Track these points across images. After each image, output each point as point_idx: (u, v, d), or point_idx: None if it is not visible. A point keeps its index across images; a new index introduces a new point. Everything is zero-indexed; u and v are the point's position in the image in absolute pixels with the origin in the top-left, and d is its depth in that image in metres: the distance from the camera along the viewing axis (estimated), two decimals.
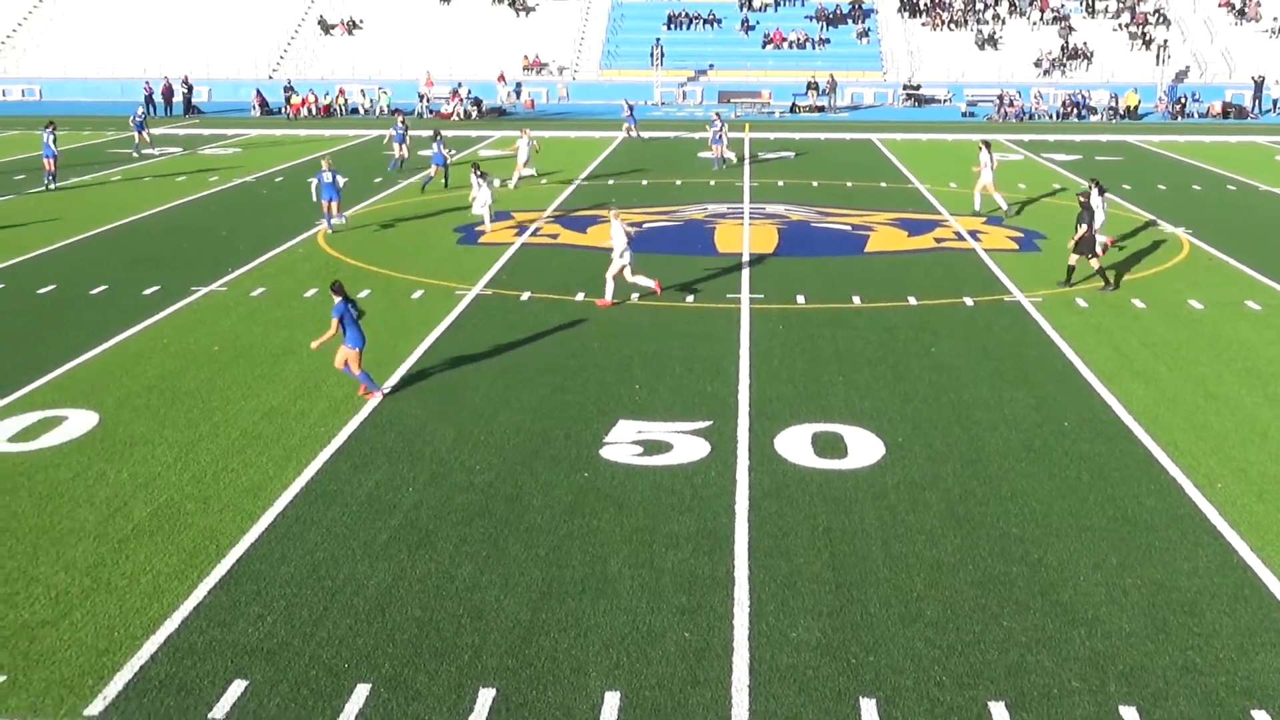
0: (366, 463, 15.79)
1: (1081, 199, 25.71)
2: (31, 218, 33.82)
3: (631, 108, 57.12)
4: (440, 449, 16.26)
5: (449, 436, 16.71)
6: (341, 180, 32.70)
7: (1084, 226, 24.99)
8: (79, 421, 17.32)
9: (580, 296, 24.57)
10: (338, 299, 17.79)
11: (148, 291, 25.09)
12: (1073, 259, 25.36)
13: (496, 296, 24.78)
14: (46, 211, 34.78)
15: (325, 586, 12.50)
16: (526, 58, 76.47)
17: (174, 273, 26.78)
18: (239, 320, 22.97)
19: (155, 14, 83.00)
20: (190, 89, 70.12)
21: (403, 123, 45.07)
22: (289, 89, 67.95)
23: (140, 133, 49.36)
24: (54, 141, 39.45)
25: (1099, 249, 25.41)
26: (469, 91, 67.62)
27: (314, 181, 32.85)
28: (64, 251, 29.36)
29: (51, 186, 39.29)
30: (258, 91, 69.56)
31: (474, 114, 65.43)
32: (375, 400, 18.07)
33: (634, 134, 55.09)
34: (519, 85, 73.07)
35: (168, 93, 69.25)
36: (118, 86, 74.79)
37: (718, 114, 48.30)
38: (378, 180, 41.24)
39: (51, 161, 39.30)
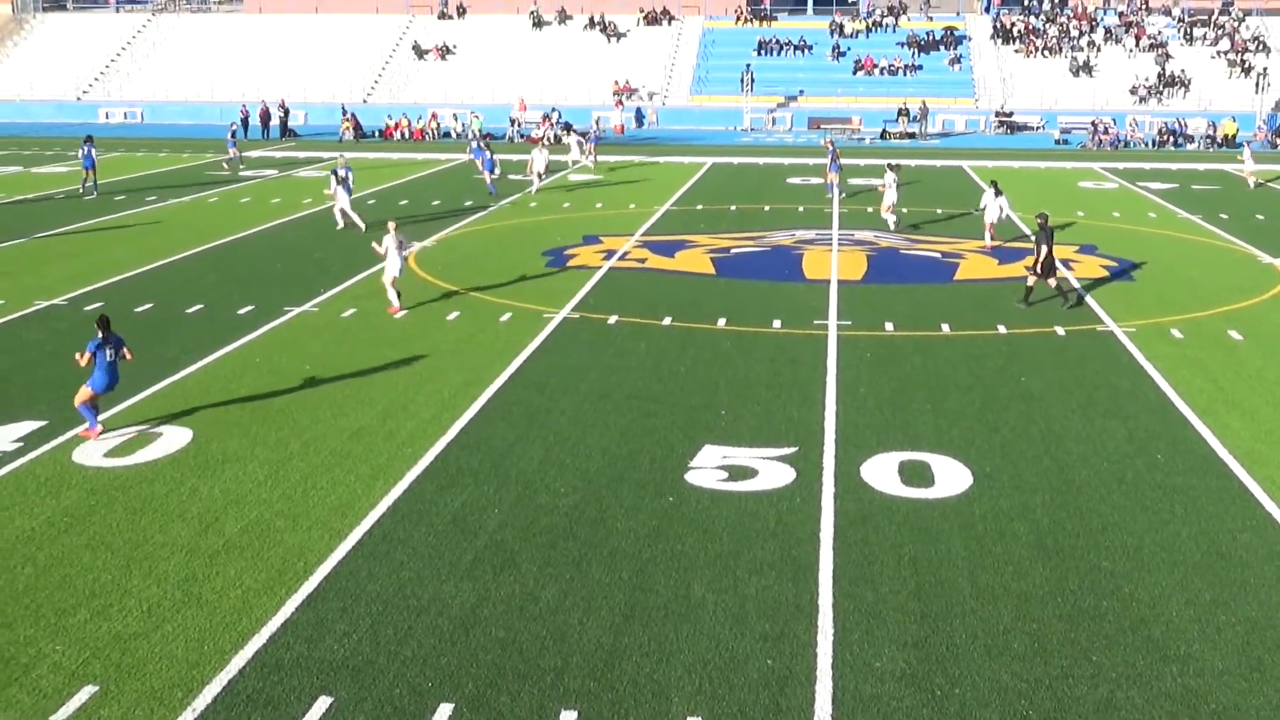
0: (453, 483, 15.91)
1: (1040, 220, 26.07)
2: (130, 237, 34.56)
3: (584, 132, 54.47)
4: (526, 471, 16.33)
5: (535, 459, 16.78)
6: (351, 179, 36.33)
7: (1044, 248, 25.55)
8: (174, 438, 17.62)
9: (668, 321, 24.59)
10: (98, 334, 17.51)
11: (242, 311, 25.51)
12: (1031, 280, 25.95)
13: (584, 320, 24.87)
14: (145, 231, 35.51)
15: (410, 605, 12.59)
16: (617, 83, 76.87)
17: (268, 293, 27.21)
18: (330, 340, 23.27)
19: (254, 40, 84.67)
20: (286, 113, 71.30)
21: (485, 145, 45.72)
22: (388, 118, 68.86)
23: (232, 149, 52.31)
24: (92, 152, 44.07)
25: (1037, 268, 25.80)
26: (559, 116, 68.07)
27: (331, 179, 36.44)
28: (162, 271, 29.94)
29: (91, 195, 43.41)
30: (350, 114, 70.49)
31: (563, 138, 65.74)
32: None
33: (589, 158, 53.33)
34: (631, 97, 73.29)
35: (265, 116, 70.45)
36: (217, 110, 76.28)
37: (830, 140, 47.58)
38: (468, 203, 41.63)
39: (90, 172, 43.94)
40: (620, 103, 72.22)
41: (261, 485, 15.83)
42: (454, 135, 68.72)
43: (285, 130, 70.75)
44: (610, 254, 32.03)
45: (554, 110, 69.12)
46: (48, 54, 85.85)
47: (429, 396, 19.54)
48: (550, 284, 28.32)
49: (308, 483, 15.92)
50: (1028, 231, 34.79)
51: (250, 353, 22.39)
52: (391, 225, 26.09)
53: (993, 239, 33.57)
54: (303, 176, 50.85)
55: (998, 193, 32.83)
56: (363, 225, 35.50)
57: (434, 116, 70.04)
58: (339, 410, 18.90)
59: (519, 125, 68.65)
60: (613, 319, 24.86)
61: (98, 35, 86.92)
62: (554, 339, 23.38)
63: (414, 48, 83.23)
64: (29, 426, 18.01)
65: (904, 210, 39.39)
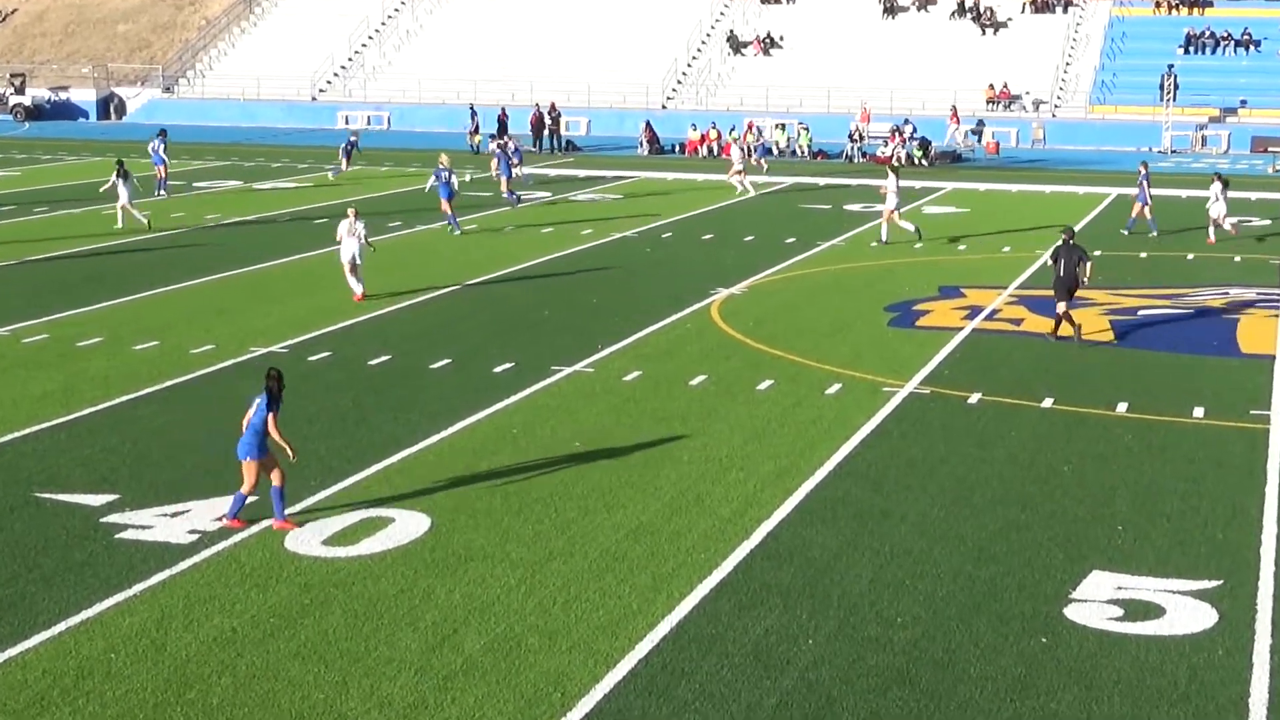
0: (756, 602, 15.92)
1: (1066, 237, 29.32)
2: (367, 271, 36.05)
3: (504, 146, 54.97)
4: (852, 592, 16.22)
5: (865, 576, 16.66)
6: (456, 181, 41.48)
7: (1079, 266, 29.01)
8: (407, 525, 18.22)
9: (1048, 403, 24.14)
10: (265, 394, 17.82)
11: (499, 369, 26.27)
12: (1060, 307, 28.89)
13: (936, 397, 24.64)
14: (385, 265, 37.00)
15: None
16: (992, 87, 76.37)
17: (531, 346, 27.96)
18: (606, 410, 23.71)
19: (527, 29, 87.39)
20: (558, 119, 73.10)
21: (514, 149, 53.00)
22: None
23: (345, 158, 57.96)
24: (164, 150, 51.93)
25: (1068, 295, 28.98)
26: (913, 130, 68.03)
27: (431, 180, 43.25)
28: (404, 315, 31.16)
29: (160, 193, 51.10)
30: (647, 124, 72.11)
31: (919, 160, 65.67)
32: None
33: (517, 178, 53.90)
34: (980, 123, 72.88)
35: (536, 124, 72.39)
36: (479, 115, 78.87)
37: (1144, 163, 46.49)
38: (790, 240, 41.92)
39: (162, 169, 51.58)
40: (956, 117, 71.25)
41: (512, 592, 16.19)
42: (775, 152, 69.36)
43: (559, 141, 72.58)
44: (974, 311, 31.68)
45: (906, 122, 69.10)
46: (280, 44, 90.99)
47: (729, 488, 19.65)
48: (894, 348, 28.19)
49: (570, 592, 16.19)
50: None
51: (507, 422, 23.01)
52: (351, 211, 32.58)
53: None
54: (581, 200, 52.19)
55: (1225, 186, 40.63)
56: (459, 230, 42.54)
57: (751, 127, 70.97)
58: (614, 501, 19.20)
59: (860, 141, 68.83)
60: (975, 397, 24.56)
61: (340, 22, 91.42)
62: (896, 420, 23.22)
63: (729, 39, 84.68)
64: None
65: None
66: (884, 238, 41.59)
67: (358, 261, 32.36)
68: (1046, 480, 20.22)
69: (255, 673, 14.12)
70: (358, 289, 32.29)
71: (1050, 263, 29.66)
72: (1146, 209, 43.58)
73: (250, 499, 18.11)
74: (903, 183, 52.52)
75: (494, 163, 52.32)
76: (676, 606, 15.75)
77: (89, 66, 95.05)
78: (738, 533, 18.01)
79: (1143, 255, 39.99)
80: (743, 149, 59.82)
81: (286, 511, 18.00)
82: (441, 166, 43.61)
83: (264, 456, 17.72)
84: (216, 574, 16.57)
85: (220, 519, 18.11)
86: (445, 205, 42.93)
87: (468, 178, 56.45)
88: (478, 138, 67.08)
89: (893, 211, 41.53)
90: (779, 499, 19.24)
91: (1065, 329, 28.79)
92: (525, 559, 17.13)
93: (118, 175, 43.35)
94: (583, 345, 28.07)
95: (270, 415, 17.67)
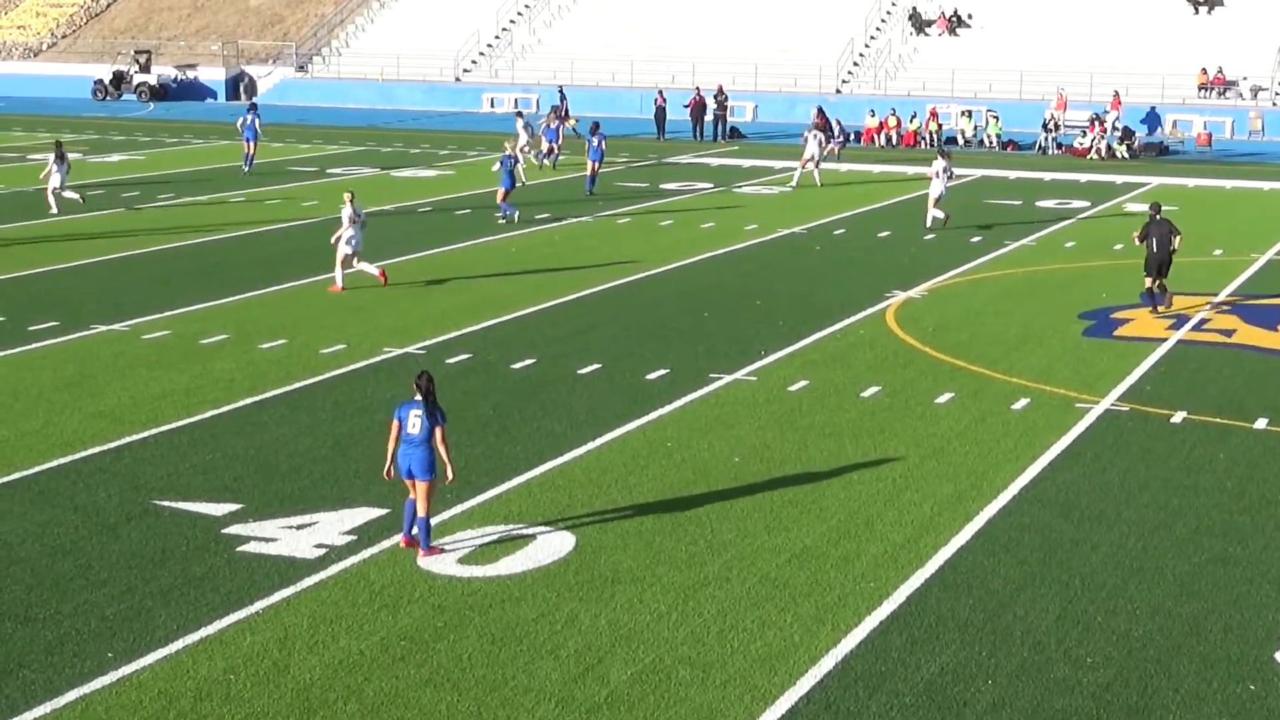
0: (931, 637, 15.85)
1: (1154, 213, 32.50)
2: (513, 266, 36.38)
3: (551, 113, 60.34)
4: (1037, 628, 16.09)
5: (1052, 612, 16.52)
6: (523, 170, 43.35)
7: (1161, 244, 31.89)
8: (550, 544, 18.35)
9: (1263, 424, 23.77)
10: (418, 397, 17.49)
11: (652, 375, 26.38)
12: (1149, 281, 31.90)
13: (1136, 415, 24.37)
14: (532, 260, 37.29)
15: None
16: (1205, 72, 75.28)
17: (687, 351, 28.03)
18: (769, 422, 23.72)
19: (690, 5, 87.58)
20: (724, 103, 73.19)
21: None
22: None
23: (549, 141, 58.77)
24: (257, 124, 55.41)
25: None
26: (1116, 119, 67.20)
27: (496, 167, 45.78)
28: (552, 314, 31.38)
29: (246, 169, 54.54)
30: (819, 110, 71.96)
31: (1122, 152, 64.88)
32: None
33: (546, 156, 58.12)
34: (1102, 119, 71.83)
35: (697, 108, 72.52)
36: (635, 98, 79.26)
37: None
38: (975, 240, 41.65)
39: (252, 144, 54.87)
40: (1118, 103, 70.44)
41: (663, 619, 16.25)
42: (961, 142, 68.92)
43: (724, 128, 72.61)
44: (1181, 320, 31.29)
45: (1108, 111, 68.27)
46: (422, 21, 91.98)
47: (903, 512, 19.58)
48: (1089, 360, 27.92)
49: (726, 620, 16.22)
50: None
51: (660, 434, 23.10)
52: (348, 196, 33.57)
53: None
54: (744, 193, 52.23)
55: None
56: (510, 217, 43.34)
57: (933, 115, 70.54)
58: (776, 522, 19.21)
59: (1056, 131, 68.09)
60: (1179, 416, 24.26)
61: None
62: (1090, 440, 23.00)
63: (911, 17, 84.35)
64: (367, 514, 19.19)
65: None
66: (927, 223, 43.52)
67: (355, 250, 33.40)
68: (1259, 510, 19.93)
69: (383, 699, 14.30)
70: (340, 282, 33.38)
71: (1138, 241, 32.59)
72: None
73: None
74: (1103, 177, 51.99)
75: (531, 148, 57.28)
76: (842, 640, 15.72)
77: (218, 44, 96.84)
78: (911, 560, 17.94)
79: None
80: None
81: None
82: (507, 154, 44.84)
83: (434, 475, 17.48)
84: (344, 592, 16.81)
85: (407, 543, 17.87)
86: (500, 194, 43.89)
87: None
88: (571, 121, 66.95)
89: (935, 199, 43.45)
90: (958, 524, 19.13)
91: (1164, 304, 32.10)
92: (677, 583, 17.18)
93: (56, 158, 44.15)
94: (744, 352, 28.09)
95: (440, 429, 17.38)
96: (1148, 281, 31.92)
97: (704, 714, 14.10)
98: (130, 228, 42.11)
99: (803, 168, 53.94)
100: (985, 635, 15.91)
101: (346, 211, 33.15)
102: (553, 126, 59.19)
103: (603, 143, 50.61)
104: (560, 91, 73.57)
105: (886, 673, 15.03)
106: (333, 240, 33.53)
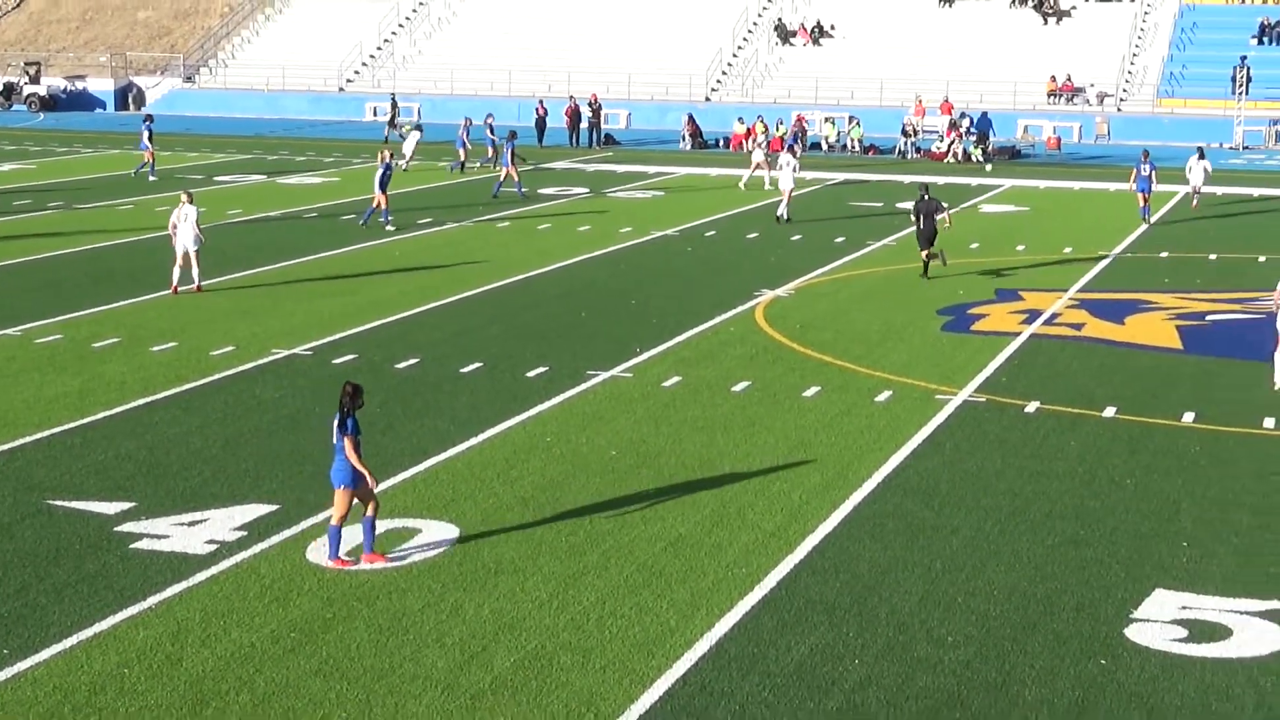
0: (800, 620, 15.94)
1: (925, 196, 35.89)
2: (396, 270, 36.19)
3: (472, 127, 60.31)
4: (901, 610, 16.22)
5: (915, 594, 16.66)
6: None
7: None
8: (434, 536, 18.29)
9: (1110, 412, 24.08)
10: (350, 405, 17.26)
11: (532, 373, 26.34)
12: (923, 254, 35.46)
13: (991, 405, 24.61)
14: (414, 263, 37.10)
15: None
16: (1054, 79, 76.16)
17: (566, 350, 28.02)
18: (645, 418, 23.75)
19: (566, 17, 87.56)
20: (599, 111, 73.19)
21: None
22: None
23: (461, 149, 58.62)
24: (148, 137, 53.74)
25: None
26: (970, 124, 67.84)
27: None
28: (434, 316, 31.27)
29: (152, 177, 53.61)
30: (690, 118, 72.15)
31: (977, 157, 65.44)
32: (377, 564, 17.26)
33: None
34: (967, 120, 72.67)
35: (573, 116, 72.49)
36: (514, 106, 79.07)
37: (1146, 151, 47.81)
38: (839, 240, 41.89)
39: (149, 153, 53.96)
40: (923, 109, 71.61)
41: (544, 607, 16.24)
42: (825, 148, 69.34)
43: (598, 135, 72.63)
44: (1033, 316, 31.62)
45: (964, 116, 68.97)
46: (306, 33, 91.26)
47: (773, 500, 19.68)
48: (948, 354, 28.17)
49: (605, 608, 16.24)
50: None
51: (540, 429, 23.08)
52: (184, 195, 33.67)
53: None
54: (618, 198, 52.25)
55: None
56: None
57: (799, 120, 70.86)
58: (652, 513, 19.24)
59: (915, 136, 68.62)
60: (1032, 406, 24.52)
61: (369, 9, 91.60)
62: (949, 430, 23.21)
63: (777, 28, 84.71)
64: (257, 510, 19.06)
65: None
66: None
67: (192, 249, 33.09)
68: (1108, 494, 20.18)
69: (275, 690, 14.20)
70: (178, 281, 33.10)
71: (913, 219, 36.18)
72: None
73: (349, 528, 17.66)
74: (960, 180, 52.47)
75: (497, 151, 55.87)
76: (716, 624, 15.78)
77: (107, 55, 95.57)
78: (781, 547, 18.03)
79: (1212, 257, 39.84)
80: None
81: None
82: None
83: (359, 485, 17.11)
84: (235, 586, 16.68)
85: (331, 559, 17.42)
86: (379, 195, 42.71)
87: (477, 165, 58.26)
88: (408, 127, 66.76)
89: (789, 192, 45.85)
90: (825, 512, 19.25)
91: (934, 267, 35.47)
92: (557, 573, 17.18)
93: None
94: (620, 350, 28.11)
95: (347, 439, 17.03)
96: (923, 255, 35.42)
97: (584, 698, 14.10)
98: (21, 233, 41.48)
99: (756, 170, 54.70)
100: (852, 617, 16.01)
101: (177, 212, 33.21)
102: (463, 137, 59.11)
103: (512, 150, 50.21)
104: (392, 98, 74.61)
105: (759, 654, 15.09)
106: (182, 252, 33.13)
